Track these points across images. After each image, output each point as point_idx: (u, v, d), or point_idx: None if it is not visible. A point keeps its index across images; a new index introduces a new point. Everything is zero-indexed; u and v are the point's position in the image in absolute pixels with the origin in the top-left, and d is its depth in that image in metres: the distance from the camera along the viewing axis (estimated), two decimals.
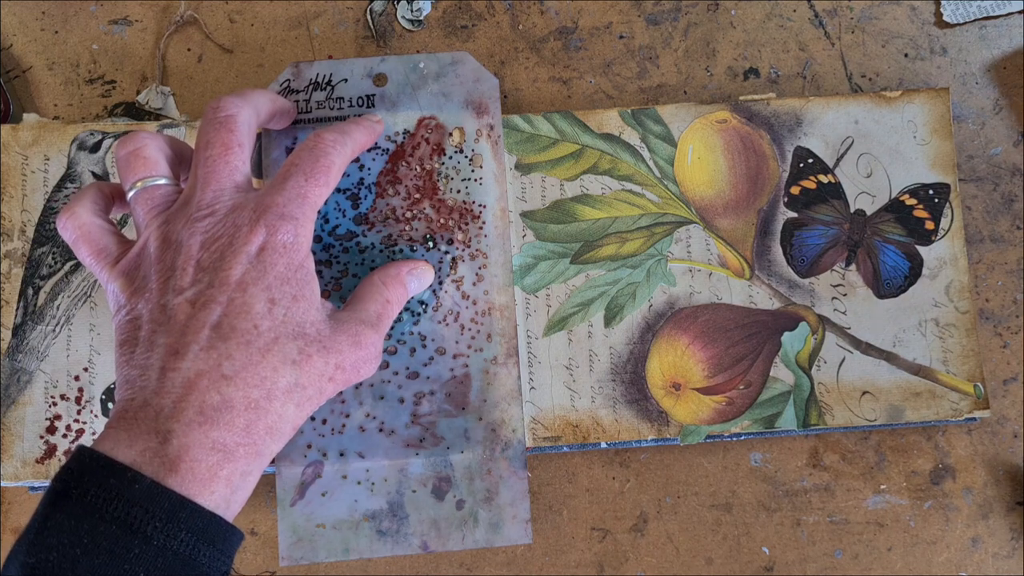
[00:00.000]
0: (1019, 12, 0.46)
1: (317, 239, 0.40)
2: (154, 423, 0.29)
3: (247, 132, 0.34)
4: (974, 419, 0.42)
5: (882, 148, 0.43)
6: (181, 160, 0.36)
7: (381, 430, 0.39)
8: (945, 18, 0.46)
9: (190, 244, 0.32)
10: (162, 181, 0.34)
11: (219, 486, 0.29)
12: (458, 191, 0.41)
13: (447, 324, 0.40)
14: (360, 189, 0.41)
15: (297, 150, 0.34)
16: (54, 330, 0.41)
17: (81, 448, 0.29)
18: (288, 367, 0.31)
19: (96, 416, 0.40)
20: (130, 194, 0.34)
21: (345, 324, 0.34)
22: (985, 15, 0.46)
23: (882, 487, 0.43)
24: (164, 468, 0.28)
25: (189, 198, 0.33)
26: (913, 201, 0.43)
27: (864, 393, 0.41)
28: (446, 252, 0.41)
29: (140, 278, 0.33)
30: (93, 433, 0.40)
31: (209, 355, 0.30)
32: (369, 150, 0.41)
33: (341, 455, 0.39)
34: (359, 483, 0.39)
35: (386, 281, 0.37)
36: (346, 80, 0.41)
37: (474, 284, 0.40)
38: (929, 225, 0.43)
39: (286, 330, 0.32)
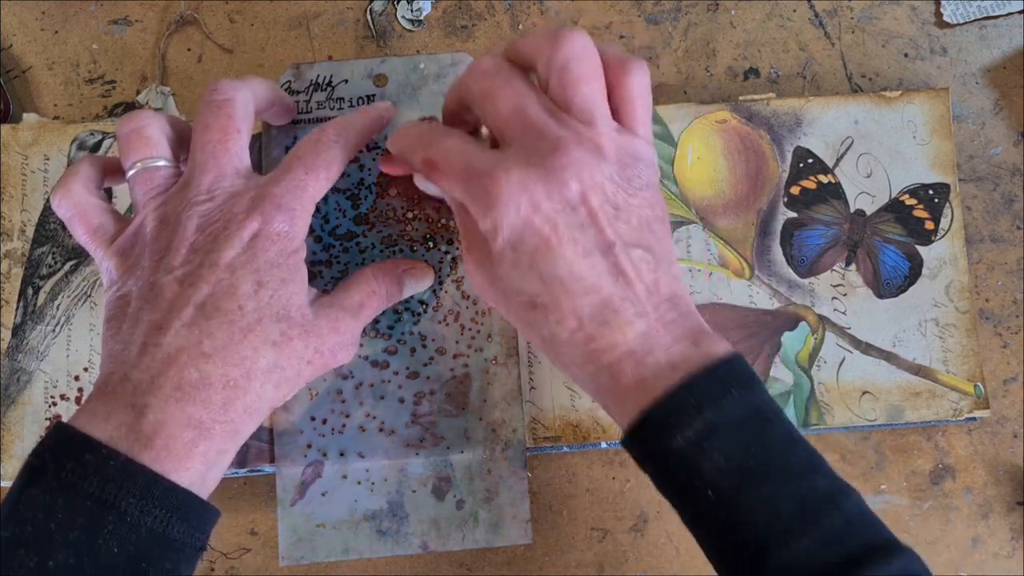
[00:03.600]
0: (1019, 12, 0.46)
1: (317, 239, 0.40)
2: (131, 397, 0.29)
3: (245, 116, 0.34)
4: (974, 419, 0.42)
5: (882, 148, 0.43)
6: (182, 141, 0.36)
7: (381, 430, 0.39)
8: (945, 18, 0.46)
9: (186, 226, 0.32)
10: (162, 163, 0.34)
11: (195, 463, 0.30)
12: None
13: (447, 324, 0.40)
14: (360, 189, 0.41)
15: (301, 143, 0.35)
16: (54, 330, 0.41)
17: (58, 424, 0.29)
18: (269, 348, 0.32)
19: None
20: (130, 173, 0.34)
21: (326, 309, 0.34)
22: (985, 15, 0.46)
23: (882, 487, 0.43)
24: (139, 444, 0.29)
25: (188, 182, 0.33)
26: (913, 201, 0.43)
27: (864, 393, 0.41)
28: (446, 252, 0.41)
29: (134, 256, 0.33)
30: None
31: (191, 332, 0.30)
32: (369, 150, 0.41)
33: (341, 455, 0.39)
34: (359, 483, 0.39)
35: (377, 274, 0.37)
36: (346, 81, 0.41)
37: None
38: (929, 225, 0.43)
39: (271, 312, 0.32)
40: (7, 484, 0.40)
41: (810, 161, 0.43)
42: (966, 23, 0.46)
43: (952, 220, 0.43)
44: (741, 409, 0.29)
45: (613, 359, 0.30)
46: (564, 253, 0.29)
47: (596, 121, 0.31)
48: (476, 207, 0.30)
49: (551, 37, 0.31)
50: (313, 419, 0.39)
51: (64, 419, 0.39)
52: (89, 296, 0.41)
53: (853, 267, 0.42)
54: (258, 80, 0.36)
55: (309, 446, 0.39)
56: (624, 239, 0.30)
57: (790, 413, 0.41)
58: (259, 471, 0.40)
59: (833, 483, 0.29)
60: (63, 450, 0.28)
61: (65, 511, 0.27)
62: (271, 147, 0.41)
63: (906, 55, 0.46)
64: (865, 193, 0.43)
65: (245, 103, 0.35)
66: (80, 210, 0.34)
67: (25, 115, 0.43)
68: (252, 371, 0.31)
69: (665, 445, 0.29)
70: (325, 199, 0.40)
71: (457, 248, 0.41)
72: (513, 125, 0.31)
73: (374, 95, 0.41)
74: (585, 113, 0.31)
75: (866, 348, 0.42)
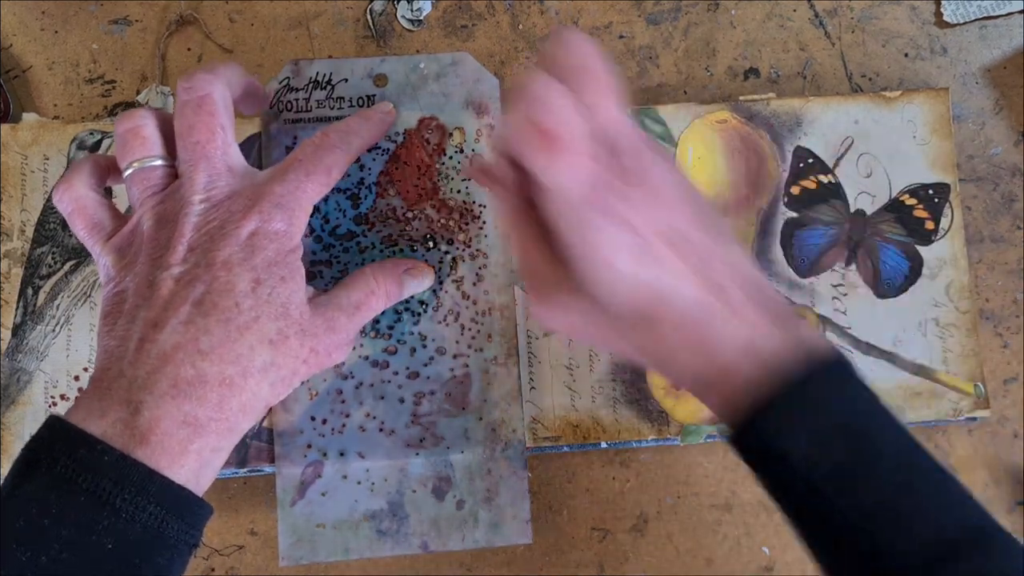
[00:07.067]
0: (1019, 12, 0.46)
1: (317, 239, 0.40)
2: (126, 393, 0.29)
3: (226, 111, 0.34)
4: (974, 419, 0.42)
5: (882, 148, 0.43)
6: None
7: (381, 430, 0.39)
8: (945, 18, 0.46)
9: (183, 225, 0.32)
10: (158, 162, 0.34)
11: (189, 460, 0.30)
12: (458, 191, 0.41)
13: (447, 324, 0.40)
14: (360, 189, 0.41)
15: (302, 145, 0.35)
16: (54, 330, 0.41)
17: (52, 417, 0.29)
18: (265, 346, 0.32)
19: None
20: (126, 173, 0.34)
21: (322, 308, 0.34)
22: (985, 15, 0.46)
23: None
24: (134, 440, 0.29)
25: (183, 182, 0.33)
26: (913, 201, 0.43)
27: None
28: (446, 252, 0.40)
29: (131, 254, 0.33)
30: None
31: (188, 329, 0.30)
32: (369, 150, 0.41)
33: (341, 455, 0.39)
34: (359, 483, 0.39)
35: (376, 273, 0.37)
36: (346, 80, 0.41)
37: (474, 284, 0.40)
38: (929, 225, 0.43)
39: (269, 310, 0.32)
40: None
41: (810, 161, 0.43)
42: (966, 23, 0.46)
43: (952, 220, 0.43)
44: (844, 411, 0.29)
45: (718, 356, 0.30)
46: (673, 265, 0.29)
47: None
48: (578, 240, 0.29)
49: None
50: (313, 419, 0.39)
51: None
52: (89, 296, 0.41)
53: (853, 267, 0.42)
54: (229, 67, 0.36)
55: (309, 446, 0.39)
56: (707, 233, 0.30)
57: None
58: (259, 471, 0.40)
59: (936, 475, 0.29)
60: (57, 445, 0.28)
61: (59, 507, 0.27)
62: (271, 147, 0.41)
63: (906, 55, 0.46)
64: (865, 193, 0.43)
65: (223, 96, 0.34)
66: (80, 205, 0.34)
67: (25, 115, 0.43)
68: (248, 369, 0.31)
69: (768, 448, 0.29)
70: (325, 199, 0.40)
71: (457, 248, 0.40)
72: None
73: (374, 95, 0.41)
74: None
75: (867, 348, 0.42)
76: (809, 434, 0.28)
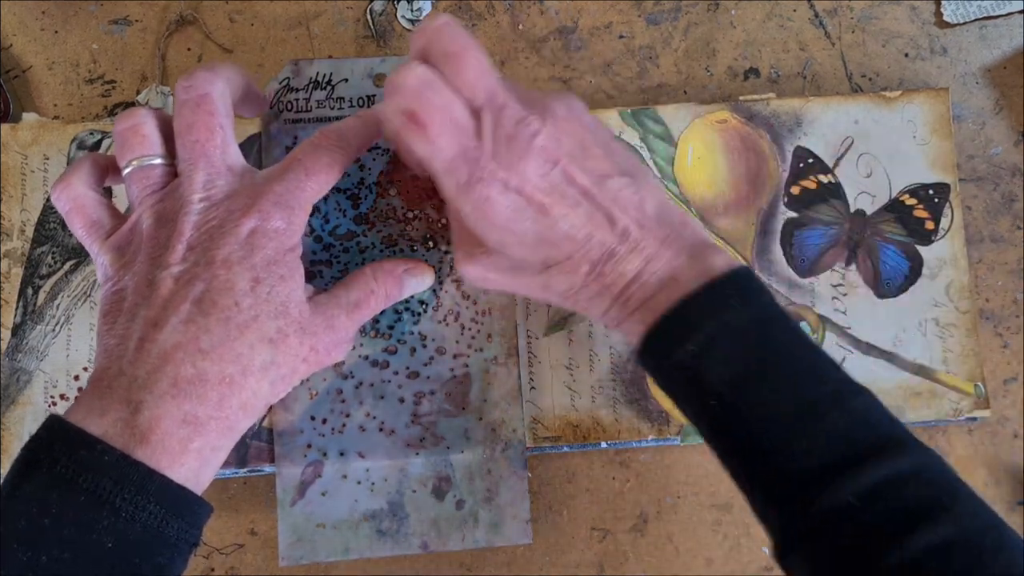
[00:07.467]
0: (1019, 12, 0.46)
1: (317, 239, 0.40)
2: (126, 392, 0.29)
3: (225, 110, 0.34)
4: (974, 419, 0.42)
5: (882, 148, 0.43)
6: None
7: (381, 430, 0.39)
8: (945, 18, 0.46)
9: (183, 224, 0.32)
10: (157, 161, 0.34)
11: (189, 459, 0.30)
12: None
13: (447, 324, 0.40)
14: (360, 189, 0.41)
15: (302, 144, 0.35)
16: (54, 330, 0.41)
17: (52, 417, 0.29)
18: (265, 345, 0.32)
19: None
20: (126, 171, 0.34)
21: (322, 307, 0.34)
22: (985, 15, 0.46)
23: None
24: (134, 440, 0.29)
25: (183, 181, 0.33)
26: (913, 201, 0.43)
27: None
28: (446, 252, 0.41)
29: (130, 253, 0.33)
30: None
31: (188, 328, 0.30)
32: (369, 150, 0.41)
33: (341, 455, 0.39)
34: (359, 483, 0.39)
35: (376, 273, 0.37)
36: (346, 80, 0.41)
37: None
38: (929, 225, 0.43)
39: (268, 308, 0.32)
40: None
41: (810, 161, 0.43)
42: (966, 23, 0.46)
43: (952, 220, 0.43)
44: (741, 319, 0.30)
45: (621, 288, 0.32)
46: (560, 212, 0.31)
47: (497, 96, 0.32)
48: (468, 209, 0.32)
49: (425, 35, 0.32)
50: (313, 419, 0.39)
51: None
52: (89, 296, 0.41)
53: (853, 267, 0.42)
54: (229, 66, 0.36)
55: (309, 446, 0.39)
56: (594, 174, 0.32)
57: None
58: (259, 471, 0.40)
59: (839, 385, 0.30)
60: (57, 445, 0.28)
61: (59, 506, 0.27)
62: (271, 147, 0.41)
63: (906, 55, 0.46)
64: (865, 193, 0.43)
65: (223, 95, 0.34)
66: (78, 203, 0.34)
67: (25, 115, 0.43)
68: (248, 368, 0.31)
69: (669, 359, 0.31)
70: (325, 199, 0.40)
71: None
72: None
73: (374, 95, 0.41)
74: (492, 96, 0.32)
75: (867, 348, 0.42)
76: (700, 344, 0.30)
